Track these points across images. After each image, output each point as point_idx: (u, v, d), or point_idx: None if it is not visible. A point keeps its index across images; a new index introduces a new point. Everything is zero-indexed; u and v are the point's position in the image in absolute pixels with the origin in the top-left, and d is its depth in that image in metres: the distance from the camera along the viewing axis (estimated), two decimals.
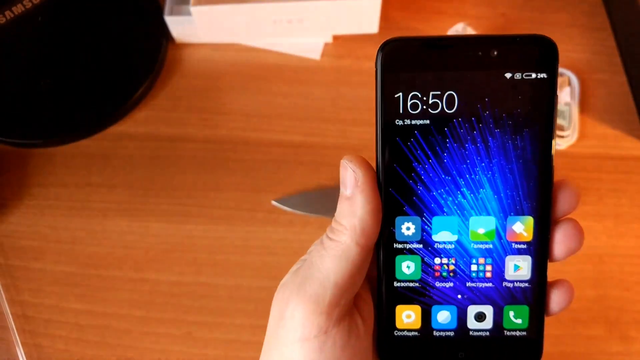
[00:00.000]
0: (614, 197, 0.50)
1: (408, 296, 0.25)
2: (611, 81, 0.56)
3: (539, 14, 0.61)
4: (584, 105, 0.55)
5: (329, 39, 0.58)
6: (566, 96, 0.54)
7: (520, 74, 0.23)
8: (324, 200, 0.50)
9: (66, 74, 0.55)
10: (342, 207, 0.24)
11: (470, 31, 0.54)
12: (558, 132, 0.52)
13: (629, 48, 0.57)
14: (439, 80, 0.23)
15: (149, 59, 0.56)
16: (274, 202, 0.50)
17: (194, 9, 0.53)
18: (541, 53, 0.24)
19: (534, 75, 0.23)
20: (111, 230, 0.49)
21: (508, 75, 0.23)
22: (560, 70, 0.56)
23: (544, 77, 0.23)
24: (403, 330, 0.26)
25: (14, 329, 0.45)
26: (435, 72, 0.23)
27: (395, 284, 0.25)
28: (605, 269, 0.47)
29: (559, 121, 0.53)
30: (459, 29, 0.54)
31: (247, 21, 0.55)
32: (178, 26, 0.56)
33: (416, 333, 0.26)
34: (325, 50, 0.58)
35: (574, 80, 0.55)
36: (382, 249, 0.25)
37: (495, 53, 0.23)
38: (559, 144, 0.52)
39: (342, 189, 0.24)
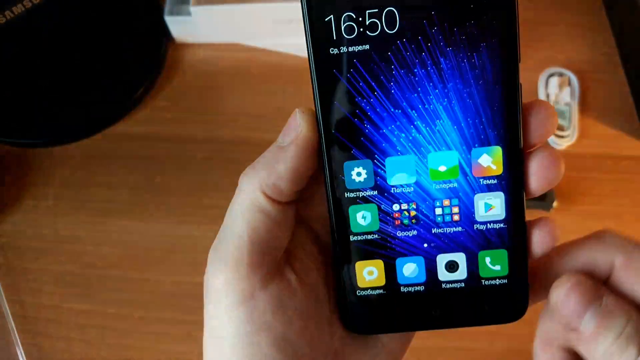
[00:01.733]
0: (614, 197, 0.50)
1: (367, 250, 0.22)
2: (611, 81, 0.56)
3: (539, 14, 0.61)
4: (584, 105, 0.55)
5: None
6: (566, 96, 0.54)
7: None
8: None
9: (66, 74, 0.55)
10: (267, 155, 0.22)
11: None
12: (558, 132, 0.52)
13: (629, 48, 0.57)
14: None
15: (149, 59, 0.56)
16: None
17: (194, 9, 0.53)
18: None
19: None
20: (111, 230, 0.49)
21: None
22: (560, 70, 0.56)
23: None
24: (366, 289, 0.23)
25: (14, 329, 0.45)
26: None
27: (352, 237, 0.22)
28: None
29: (560, 121, 0.53)
30: None
31: (247, 21, 0.55)
32: (178, 26, 0.56)
33: (381, 291, 0.23)
34: None
35: (574, 80, 0.55)
36: (332, 200, 0.22)
37: None
38: (559, 144, 0.52)
39: (280, 137, 0.22)
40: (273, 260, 0.21)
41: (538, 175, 0.22)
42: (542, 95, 0.55)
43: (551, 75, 0.56)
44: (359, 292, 0.23)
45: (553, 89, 0.54)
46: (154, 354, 0.44)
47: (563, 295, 0.21)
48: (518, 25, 0.20)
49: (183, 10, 0.56)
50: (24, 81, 0.55)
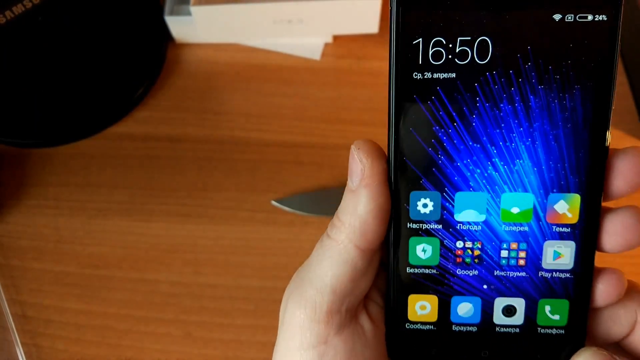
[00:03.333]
0: None
1: (423, 284, 0.22)
2: None
3: None
4: None
5: (329, 39, 0.58)
6: None
7: (572, 15, 0.19)
8: (324, 201, 0.50)
9: (66, 74, 0.55)
10: (345, 201, 0.21)
11: None
12: None
13: (629, 48, 0.57)
14: (470, 22, 0.19)
15: (149, 59, 0.56)
16: (274, 202, 0.50)
17: (194, 9, 0.53)
18: None
19: (590, 17, 0.19)
20: (111, 230, 0.49)
21: (557, 16, 0.19)
22: None
23: (603, 19, 0.19)
24: (416, 323, 0.22)
25: (14, 329, 0.45)
26: (465, 12, 0.19)
27: (408, 269, 0.22)
28: None
29: None
30: None
31: (247, 21, 0.55)
32: (178, 26, 0.56)
33: (431, 327, 0.22)
34: (325, 50, 0.58)
35: None
36: (393, 228, 0.21)
37: None
38: None
39: (348, 180, 0.21)
40: (351, 307, 0.22)
41: (617, 235, 0.21)
42: None
43: None
44: (408, 325, 0.22)
45: None
46: (154, 354, 0.44)
47: None
48: (616, 74, 0.19)
49: (183, 10, 0.56)
50: (24, 81, 0.55)
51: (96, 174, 0.52)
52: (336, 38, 0.58)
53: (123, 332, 0.45)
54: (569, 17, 0.19)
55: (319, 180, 0.51)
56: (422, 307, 0.22)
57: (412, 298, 0.22)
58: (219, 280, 0.47)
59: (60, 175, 0.51)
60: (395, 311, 0.22)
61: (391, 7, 0.19)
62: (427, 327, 0.22)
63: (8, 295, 0.46)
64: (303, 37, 0.57)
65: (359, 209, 0.21)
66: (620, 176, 0.20)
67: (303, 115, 0.54)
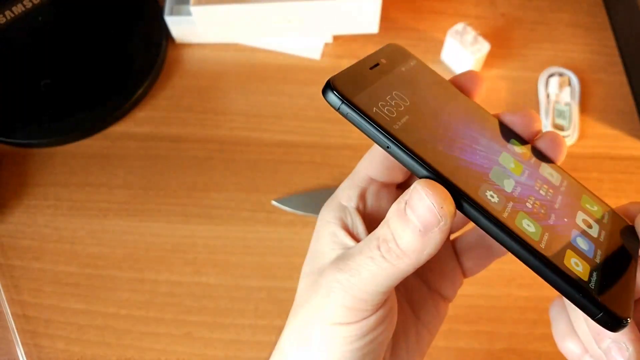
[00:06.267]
0: (614, 197, 0.50)
1: (562, 242, 0.23)
2: (611, 81, 0.56)
3: (539, 14, 0.61)
4: (584, 105, 0.55)
5: (329, 39, 0.58)
6: (566, 96, 0.54)
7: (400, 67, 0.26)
8: (324, 200, 0.49)
9: (66, 74, 0.55)
10: (411, 237, 0.21)
11: (470, 31, 0.54)
12: (558, 132, 0.52)
13: (629, 48, 0.57)
14: (386, 85, 0.25)
15: (149, 59, 0.56)
16: (274, 202, 0.50)
17: (194, 9, 0.53)
18: (396, 51, 0.27)
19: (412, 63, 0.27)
20: (111, 230, 0.49)
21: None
22: (561, 70, 0.56)
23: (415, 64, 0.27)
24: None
25: (14, 329, 0.45)
26: (378, 82, 0.25)
27: (539, 245, 0.22)
28: None
29: (560, 121, 0.53)
30: (459, 29, 0.54)
31: (247, 21, 0.55)
32: (178, 26, 0.56)
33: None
34: (325, 50, 0.58)
35: (574, 80, 0.55)
36: (498, 223, 0.22)
37: (384, 61, 0.26)
38: None
39: (412, 218, 0.21)
40: (390, 295, 0.25)
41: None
42: (542, 95, 0.54)
43: (551, 75, 0.56)
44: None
45: (553, 89, 0.54)
46: (154, 354, 0.44)
47: None
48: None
49: (183, 10, 0.56)
50: (24, 81, 0.55)
51: (96, 174, 0.52)
52: (336, 38, 0.58)
53: (123, 332, 0.45)
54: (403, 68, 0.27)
55: (318, 180, 0.51)
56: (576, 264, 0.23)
57: (568, 253, 0.23)
58: (219, 280, 0.47)
59: (60, 175, 0.51)
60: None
61: (341, 102, 0.25)
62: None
63: (8, 295, 0.46)
64: (303, 37, 0.57)
65: (426, 251, 0.21)
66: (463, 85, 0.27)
67: (303, 115, 0.54)
